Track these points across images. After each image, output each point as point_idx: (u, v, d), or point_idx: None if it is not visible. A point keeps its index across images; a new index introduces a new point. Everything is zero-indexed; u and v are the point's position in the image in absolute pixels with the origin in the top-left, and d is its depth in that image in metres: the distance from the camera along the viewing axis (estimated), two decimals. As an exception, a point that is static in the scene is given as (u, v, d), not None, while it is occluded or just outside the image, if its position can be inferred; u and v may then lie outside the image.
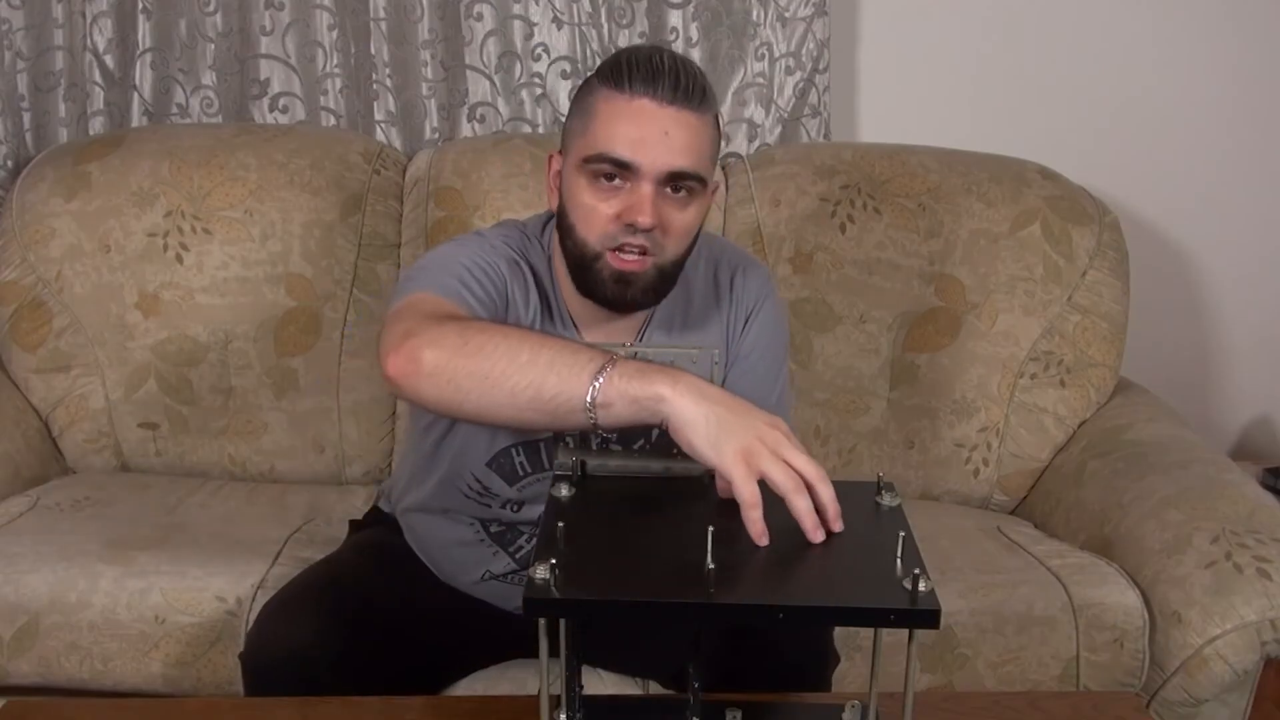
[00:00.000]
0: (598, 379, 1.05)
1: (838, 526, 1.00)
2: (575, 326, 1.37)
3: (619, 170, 1.24)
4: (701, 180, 1.27)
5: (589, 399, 1.05)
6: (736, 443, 1.01)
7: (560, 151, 1.33)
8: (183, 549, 1.67)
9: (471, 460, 1.40)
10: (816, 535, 0.99)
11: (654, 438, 1.33)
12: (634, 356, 1.09)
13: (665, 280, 1.31)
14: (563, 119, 2.20)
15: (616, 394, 1.04)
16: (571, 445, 1.11)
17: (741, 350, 1.43)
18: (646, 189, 1.24)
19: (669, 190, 1.26)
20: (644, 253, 1.27)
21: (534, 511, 1.42)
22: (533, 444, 1.39)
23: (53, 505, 1.82)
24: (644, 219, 1.23)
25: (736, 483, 0.99)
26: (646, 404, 1.04)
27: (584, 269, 1.29)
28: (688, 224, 1.29)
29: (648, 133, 1.23)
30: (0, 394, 2.00)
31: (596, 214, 1.26)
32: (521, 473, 1.40)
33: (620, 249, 1.26)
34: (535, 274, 1.37)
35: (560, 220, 1.32)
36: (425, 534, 1.49)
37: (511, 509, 1.43)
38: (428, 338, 1.12)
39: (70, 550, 1.64)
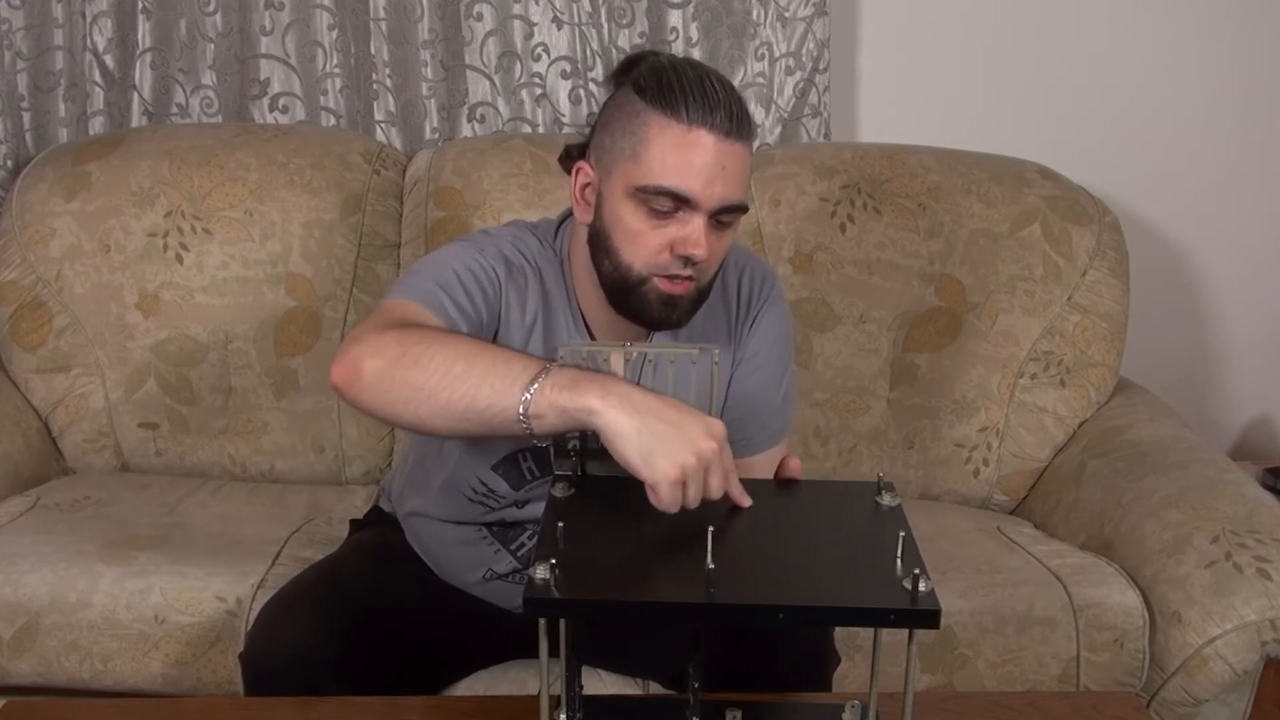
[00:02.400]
0: (529, 390, 1.06)
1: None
2: (589, 330, 1.37)
3: (674, 201, 1.23)
4: (746, 208, 1.28)
5: (521, 410, 1.06)
6: (670, 458, 1.02)
7: (589, 162, 1.31)
8: (183, 549, 1.67)
9: (477, 463, 1.40)
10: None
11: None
12: (638, 356, 1.09)
13: (702, 299, 1.31)
14: (563, 119, 2.21)
15: (547, 405, 1.05)
16: (575, 447, 1.11)
17: (747, 351, 1.43)
18: (700, 222, 1.24)
19: (716, 219, 1.26)
20: (689, 278, 1.27)
21: (537, 510, 1.42)
22: (541, 449, 1.38)
23: (53, 505, 1.82)
24: (699, 252, 1.24)
25: (663, 495, 1.01)
26: (577, 415, 1.04)
27: (626, 291, 1.28)
28: (728, 246, 1.30)
29: (707, 167, 1.22)
30: (0, 394, 2.01)
31: (646, 241, 1.25)
32: (529, 477, 1.40)
33: (668, 276, 1.27)
34: (543, 278, 1.36)
35: (597, 240, 1.29)
36: (426, 534, 1.49)
37: (516, 506, 1.43)
38: (370, 347, 1.13)
39: (70, 550, 1.64)
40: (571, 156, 1.34)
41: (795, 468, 1.17)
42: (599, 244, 1.29)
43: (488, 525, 1.45)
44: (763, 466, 1.35)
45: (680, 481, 1.01)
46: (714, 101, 1.21)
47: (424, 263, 1.33)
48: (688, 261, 1.25)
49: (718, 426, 1.05)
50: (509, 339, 1.33)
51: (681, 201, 1.23)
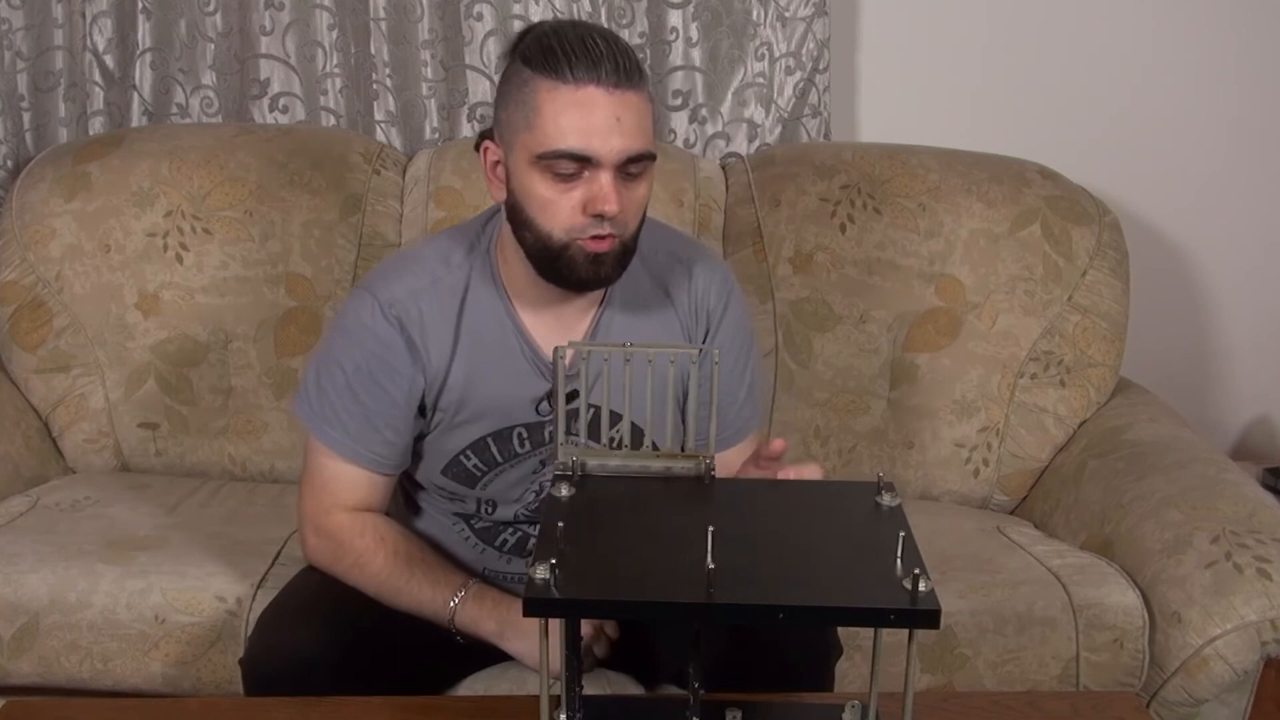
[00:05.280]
0: (452, 624, 1.37)
1: None
2: (516, 311, 1.37)
3: (576, 162, 1.24)
4: (653, 156, 1.28)
5: (454, 632, 1.38)
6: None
7: (494, 141, 1.32)
8: (183, 549, 1.67)
9: (429, 470, 1.43)
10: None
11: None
12: (629, 355, 1.09)
13: (628, 254, 1.31)
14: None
15: (467, 628, 1.38)
16: (579, 444, 1.11)
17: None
18: (607, 177, 1.24)
19: (624, 172, 1.26)
20: (609, 235, 1.27)
21: (508, 512, 1.44)
22: (480, 442, 1.40)
23: (53, 505, 1.82)
24: (611, 208, 1.24)
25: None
26: (487, 640, 1.38)
27: (552, 258, 1.28)
28: (643, 198, 1.30)
29: (600, 122, 1.23)
30: (0, 394, 2.01)
31: (558, 207, 1.26)
32: (478, 473, 1.41)
33: (589, 237, 1.27)
34: (469, 280, 1.37)
35: (514, 214, 1.30)
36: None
37: (486, 509, 1.43)
38: (310, 549, 1.43)
39: (70, 550, 1.64)
40: (483, 138, 1.35)
41: (778, 448, 1.18)
42: (516, 218, 1.30)
43: (468, 523, 1.46)
44: (730, 462, 1.36)
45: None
46: (596, 56, 1.22)
47: (320, 373, 1.38)
48: (602, 219, 1.25)
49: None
50: (434, 372, 1.36)
51: (583, 161, 1.23)
